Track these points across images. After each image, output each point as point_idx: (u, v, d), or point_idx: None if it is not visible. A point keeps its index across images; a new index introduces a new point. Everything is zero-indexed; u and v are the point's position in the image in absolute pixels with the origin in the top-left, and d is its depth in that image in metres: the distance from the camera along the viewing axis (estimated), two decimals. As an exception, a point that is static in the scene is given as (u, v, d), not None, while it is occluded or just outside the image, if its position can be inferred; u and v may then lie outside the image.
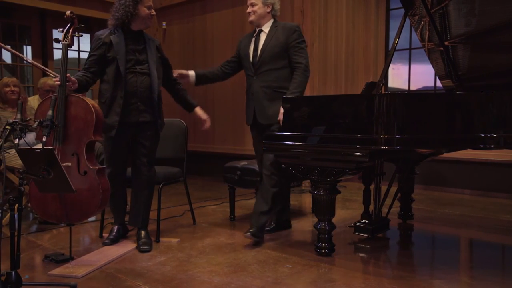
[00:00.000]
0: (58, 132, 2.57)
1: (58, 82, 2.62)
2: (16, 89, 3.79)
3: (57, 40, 2.75)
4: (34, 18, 5.88)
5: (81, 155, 2.65)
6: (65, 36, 2.71)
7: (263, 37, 3.07)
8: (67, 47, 2.70)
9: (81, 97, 2.68)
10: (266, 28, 3.08)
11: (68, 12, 2.75)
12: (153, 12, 2.89)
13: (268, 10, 3.07)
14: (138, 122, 2.85)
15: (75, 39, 2.81)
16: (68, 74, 2.62)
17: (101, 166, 2.71)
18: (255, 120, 3.10)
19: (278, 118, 2.86)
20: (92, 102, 2.73)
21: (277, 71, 3.00)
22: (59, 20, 5.93)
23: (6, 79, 3.85)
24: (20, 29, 5.93)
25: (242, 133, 5.93)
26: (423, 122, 2.38)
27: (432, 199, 4.59)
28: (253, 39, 3.12)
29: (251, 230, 2.92)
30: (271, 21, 3.09)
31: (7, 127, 2.16)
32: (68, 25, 2.74)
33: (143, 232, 2.95)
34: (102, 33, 2.86)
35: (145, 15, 2.84)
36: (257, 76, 3.04)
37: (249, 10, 3.09)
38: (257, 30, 3.13)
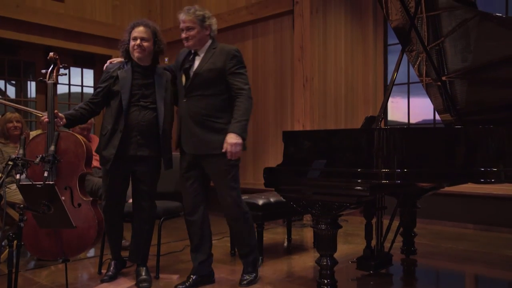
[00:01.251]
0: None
1: (47, 119, 2.72)
2: (19, 124, 3.82)
3: (42, 80, 2.88)
4: (39, 54, 6.01)
5: (74, 188, 2.74)
6: (49, 76, 2.86)
7: (197, 61, 2.76)
8: (53, 85, 2.85)
9: (70, 132, 2.82)
10: (202, 52, 2.76)
11: (51, 53, 2.93)
12: (138, 42, 2.77)
13: (207, 32, 2.75)
14: (136, 156, 2.81)
15: (64, 75, 3.03)
16: (56, 111, 2.71)
17: (93, 198, 2.74)
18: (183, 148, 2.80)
19: (223, 150, 2.62)
20: (81, 137, 2.88)
21: (208, 98, 2.69)
22: (64, 56, 6.05)
23: (9, 115, 3.87)
24: (24, 65, 6.05)
25: (242, 166, 5.92)
26: (423, 156, 2.39)
27: (434, 233, 4.54)
28: (188, 62, 2.80)
29: (244, 279, 2.86)
30: (209, 42, 2.79)
31: (9, 162, 2.18)
32: (52, 66, 2.89)
33: (142, 269, 2.90)
34: (112, 66, 2.91)
35: (131, 47, 2.81)
36: (187, 99, 2.73)
37: (184, 35, 2.71)
38: (192, 52, 2.80)
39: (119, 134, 2.76)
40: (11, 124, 3.77)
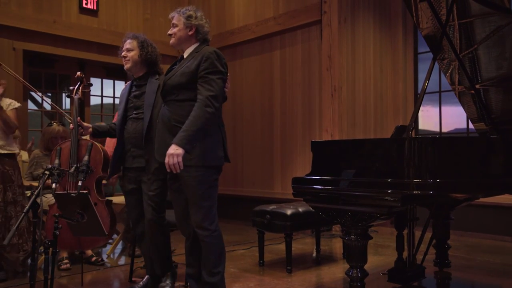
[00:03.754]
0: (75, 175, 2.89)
1: (72, 126, 3.01)
2: (62, 141, 3.86)
3: (69, 96, 3.21)
4: (74, 67, 6.22)
5: (91, 189, 3.08)
6: (76, 92, 3.17)
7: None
8: (79, 100, 3.16)
9: (90, 140, 3.15)
10: (187, 53, 2.58)
11: (78, 73, 3.25)
12: (123, 54, 2.87)
13: (190, 32, 2.54)
14: (135, 168, 2.85)
15: (87, 91, 3.43)
16: (79, 119, 2.93)
17: (109, 198, 3.17)
18: None
19: (166, 161, 2.31)
20: (100, 145, 3.22)
21: (181, 103, 2.46)
22: (97, 68, 6.24)
23: (56, 129, 3.92)
24: (60, 78, 6.27)
25: (271, 176, 5.93)
26: (456, 166, 2.33)
27: (469, 246, 4.39)
28: (174, 65, 2.67)
29: None
30: (195, 45, 2.58)
31: (46, 172, 2.25)
32: (78, 83, 3.20)
33: (163, 279, 2.89)
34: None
35: None
36: (164, 104, 2.56)
37: (169, 32, 2.60)
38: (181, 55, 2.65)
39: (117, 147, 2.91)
40: (55, 141, 3.86)
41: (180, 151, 2.28)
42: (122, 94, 2.99)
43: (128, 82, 3.03)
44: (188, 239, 2.61)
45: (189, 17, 2.54)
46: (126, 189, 2.94)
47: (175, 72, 2.52)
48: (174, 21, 2.57)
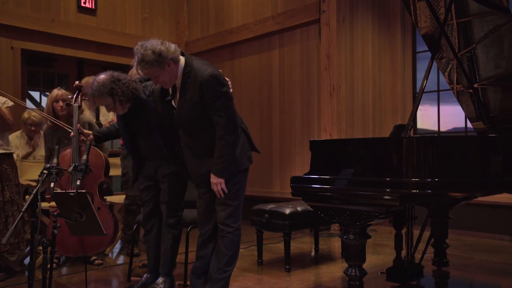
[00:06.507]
0: (74, 175, 2.91)
1: (73, 134, 3.07)
2: (64, 104, 3.53)
3: (69, 104, 3.31)
4: (72, 66, 6.22)
5: (94, 194, 3.15)
6: (75, 100, 3.24)
7: (177, 94, 2.57)
8: (78, 108, 3.23)
9: (92, 146, 3.17)
10: (178, 81, 2.50)
11: (76, 82, 3.34)
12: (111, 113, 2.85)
13: (172, 65, 2.42)
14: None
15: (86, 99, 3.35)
16: (78, 125, 2.99)
17: (112, 202, 3.25)
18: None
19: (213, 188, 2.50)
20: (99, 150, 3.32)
21: (201, 134, 2.53)
22: (95, 68, 6.24)
23: (55, 93, 3.58)
24: (59, 77, 6.27)
25: (269, 176, 5.93)
26: (455, 166, 2.33)
27: (468, 245, 4.40)
28: (168, 91, 2.65)
29: None
30: (181, 69, 2.46)
31: (44, 171, 2.25)
32: (77, 92, 3.28)
33: (160, 279, 2.87)
34: None
35: None
36: (183, 134, 2.64)
37: (155, 84, 2.58)
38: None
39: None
40: (57, 104, 3.54)
41: (221, 180, 2.48)
42: (118, 120, 2.88)
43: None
44: (203, 235, 2.68)
45: (158, 59, 2.36)
46: (141, 186, 2.95)
47: (181, 109, 2.50)
48: (151, 74, 2.43)
